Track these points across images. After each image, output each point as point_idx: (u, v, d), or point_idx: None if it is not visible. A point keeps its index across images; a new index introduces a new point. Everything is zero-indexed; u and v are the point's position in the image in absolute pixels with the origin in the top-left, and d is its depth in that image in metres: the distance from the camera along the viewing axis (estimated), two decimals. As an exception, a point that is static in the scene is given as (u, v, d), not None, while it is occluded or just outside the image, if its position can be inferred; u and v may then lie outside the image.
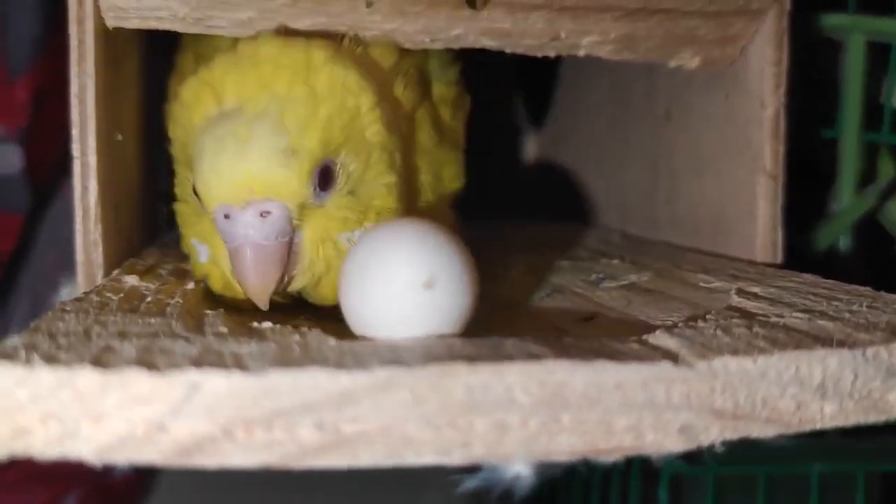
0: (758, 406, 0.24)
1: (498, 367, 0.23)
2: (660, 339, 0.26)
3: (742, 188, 0.43)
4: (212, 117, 0.33)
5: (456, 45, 0.40)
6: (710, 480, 0.48)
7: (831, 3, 0.48)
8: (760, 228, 0.42)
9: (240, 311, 0.34)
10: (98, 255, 0.37)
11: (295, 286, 0.34)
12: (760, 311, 0.30)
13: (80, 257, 0.37)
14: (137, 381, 0.22)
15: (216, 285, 0.36)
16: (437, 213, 0.39)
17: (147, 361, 0.22)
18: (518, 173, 0.74)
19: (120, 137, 0.41)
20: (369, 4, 0.37)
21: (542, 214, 0.67)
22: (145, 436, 0.22)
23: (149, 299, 0.31)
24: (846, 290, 0.33)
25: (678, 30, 0.40)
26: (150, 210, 0.49)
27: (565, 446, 0.23)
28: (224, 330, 0.27)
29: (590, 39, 0.40)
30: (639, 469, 0.50)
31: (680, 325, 0.28)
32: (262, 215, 0.31)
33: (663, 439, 0.24)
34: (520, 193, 0.73)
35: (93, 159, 0.37)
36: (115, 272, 0.37)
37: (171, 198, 0.38)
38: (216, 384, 0.22)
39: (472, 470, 0.24)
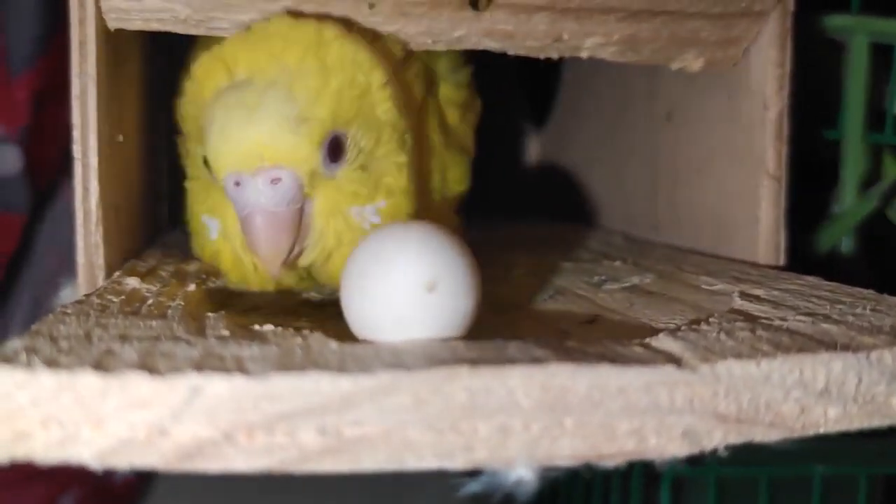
0: (761, 410, 0.24)
1: (500, 370, 0.23)
2: (663, 342, 0.26)
3: (745, 190, 0.43)
4: (222, 89, 0.33)
5: (458, 47, 0.39)
6: (711, 482, 0.48)
7: (834, 4, 0.48)
8: (763, 230, 0.42)
9: (245, 306, 0.34)
10: (99, 257, 0.37)
11: (305, 260, 0.34)
12: (763, 315, 0.30)
13: (81, 259, 0.37)
14: (138, 385, 0.22)
15: (226, 262, 0.36)
16: (442, 215, 0.39)
17: (148, 365, 0.22)
18: (520, 174, 0.74)
19: (121, 139, 0.40)
20: (371, 6, 0.37)
21: (544, 216, 0.67)
22: (146, 440, 0.22)
23: (150, 302, 0.31)
24: (849, 292, 0.33)
25: (681, 31, 0.40)
26: (151, 211, 0.49)
27: (568, 450, 0.23)
28: (226, 333, 0.27)
29: (592, 41, 0.40)
30: (640, 471, 0.50)
31: (683, 328, 0.28)
32: (272, 182, 0.32)
33: (666, 443, 0.24)
34: (522, 195, 0.73)
35: (94, 161, 0.37)
36: (116, 274, 0.37)
37: (171, 197, 0.38)
38: (217, 388, 0.22)
39: (473, 474, 0.24)
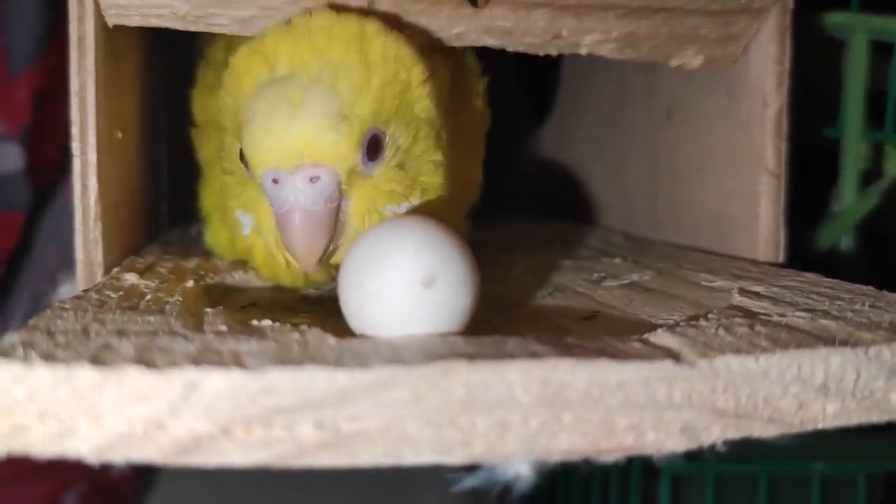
0: (760, 405, 0.24)
1: (499, 365, 0.23)
2: (661, 338, 0.26)
3: (744, 187, 0.43)
4: (263, 83, 0.33)
5: (457, 44, 0.39)
6: (710, 479, 0.48)
7: (834, 1, 0.48)
8: (762, 227, 0.42)
9: (243, 302, 0.33)
10: (98, 254, 0.37)
11: (338, 258, 0.34)
12: (762, 311, 0.30)
13: (80, 255, 0.37)
14: (136, 379, 0.22)
15: (258, 257, 0.35)
16: (453, 219, 0.39)
17: (146, 359, 0.22)
18: (519, 172, 0.74)
19: (120, 135, 0.40)
20: (371, 3, 0.37)
21: (544, 213, 0.67)
22: (144, 434, 0.22)
23: (148, 297, 0.31)
24: (848, 289, 0.33)
25: (681, 28, 0.40)
26: (151, 208, 0.49)
27: (566, 445, 0.23)
28: (223, 328, 0.26)
29: (592, 38, 0.40)
30: (639, 467, 0.50)
31: (682, 324, 0.28)
32: (311, 181, 0.31)
33: (665, 439, 0.24)
34: (521, 192, 0.73)
35: (93, 157, 0.37)
36: (115, 270, 0.37)
37: (171, 194, 0.38)
38: (215, 382, 0.22)
39: (471, 469, 0.24)
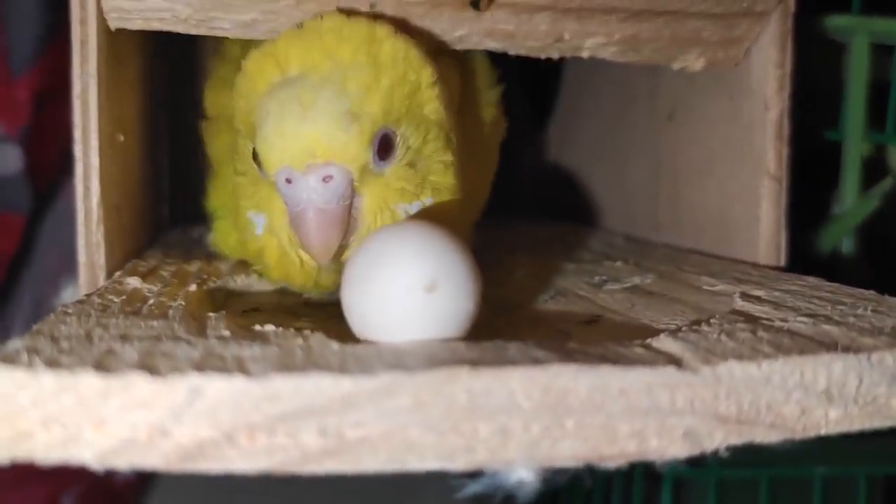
0: (762, 411, 0.24)
1: (501, 371, 0.23)
2: (664, 343, 0.26)
3: (745, 190, 0.43)
4: (275, 85, 0.33)
5: (459, 47, 0.39)
6: (712, 483, 0.48)
7: (835, 4, 0.48)
8: (764, 231, 0.42)
9: (246, 307, 0.33)
10: (100, 257, 0.37)
11: (348, 256, 0.34)
12: (764, 316, 0.30)
13: (82, 259, 0.37)
14: (139, 385, 0.22)
15: (271, 258, 0.36)
16: (462, 222, 0.39)
17: (149, 365, 0.22)
18: (521, 174, 0.74)
19: (122, 138, 0.40)
20: (372, 6, 0.37)
21: (545, 216, 0.67)
22: (147, 440, 0.22)
23: (151, 302, 0.31)
24: (850, 293, 0.33)
25: (683, 31, 0.40)
26: (152, 210, 0.49)
27: (569, 452, 0.23)
28: (227, 333, 0.26)
29: (594, 41, 0.40)
30: (641, 472, 0.50)
31: (684, 329, 0.28)
32: (324, 180, 0.32)
33: (667, 445, 0.24)
34: (522, 194, 0.73)
35: (95, 160, 0.37)
36: (117, 274, 0.37)
37: (172, 197, 0.38)
38: (218, 388, 0.22)
39: (474, 475, 0.24)
